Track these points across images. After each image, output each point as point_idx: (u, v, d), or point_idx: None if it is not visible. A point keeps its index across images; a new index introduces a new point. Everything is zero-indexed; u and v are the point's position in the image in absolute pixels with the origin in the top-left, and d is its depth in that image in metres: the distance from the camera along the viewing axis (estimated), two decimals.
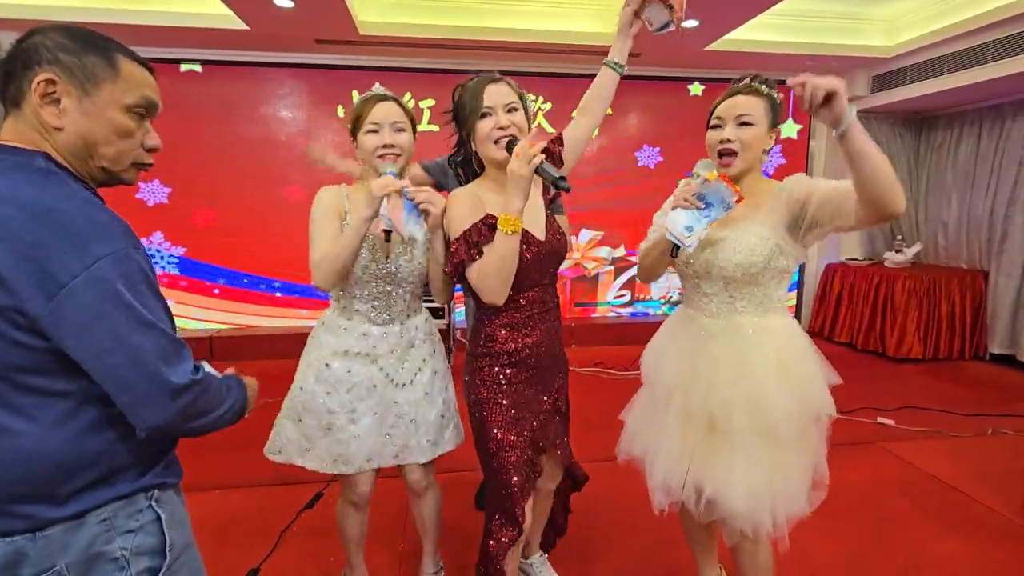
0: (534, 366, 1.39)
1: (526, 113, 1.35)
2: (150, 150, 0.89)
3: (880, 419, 3.15)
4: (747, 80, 1.34)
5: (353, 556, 1.68)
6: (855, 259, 5.04)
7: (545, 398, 1.45)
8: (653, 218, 1.49)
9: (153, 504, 0.87)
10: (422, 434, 1.51)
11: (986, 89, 3.95)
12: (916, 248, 4.82)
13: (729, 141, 1.30)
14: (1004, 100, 4.21)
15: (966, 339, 4.46)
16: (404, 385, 1.48)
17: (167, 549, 0.87)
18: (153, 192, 4.39)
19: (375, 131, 1.37)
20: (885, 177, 1.07)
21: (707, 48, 4.10)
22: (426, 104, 4.58)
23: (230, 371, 0.99)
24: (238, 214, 4.51)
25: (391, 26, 3.82)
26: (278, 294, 4.65)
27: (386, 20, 3.83)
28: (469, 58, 4.36)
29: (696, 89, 4.87)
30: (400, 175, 1.40)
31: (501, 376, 1.37)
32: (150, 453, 0.87)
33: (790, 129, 5.09)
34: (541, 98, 4.68)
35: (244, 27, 3.61)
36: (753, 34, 4.05)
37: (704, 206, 1.26)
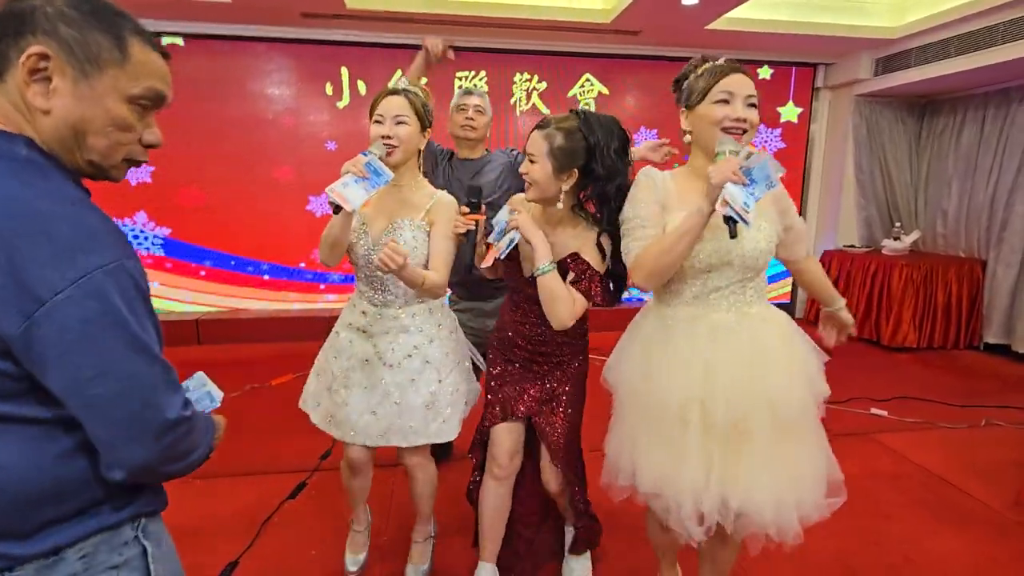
0: (510, 347, 1.61)
1: (566, 159, 1.39)
2: (148, 146, 0.77)
3: (874, 410, 3.13)
4: (725, 60, 1.28)
5: (354, 506, 1.82)
6: (852, 246, 4.98)
7: (510, 372, 1.60)
8: (627, 218, 1.34)
9: (140, 535, 0.76)
10: (406, 418, 1.58)
11: (994, 73, 3.84)
12: (914, 236, 4.75)
13: (743, 121, 1.22)
14: (1011, 84, 4.10)
15: (961, 328, 4.43)
16: (392, 366, 1.59)
17: None
18: (136, 171, 4.26)
19: (380, 122, 1.50)
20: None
21: (708, 27, 3.97)
22: (420, 82, 4.44)
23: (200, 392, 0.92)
24: (225, 194, 4.39)
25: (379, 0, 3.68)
26: (266, 276, 4.57)
27: None
28: (462, 34, 4.21)
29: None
30: (396, 165, 1.52)
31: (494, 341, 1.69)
32: None
33: (791, 113, 4.98)
34: (536, 77, 4.55)
35: None
36: (755, 13, 3.92)
37: (748, 183, 1.15)
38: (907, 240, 4.70)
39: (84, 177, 0.76)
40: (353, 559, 1.80)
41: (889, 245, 4.72)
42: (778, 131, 4.98)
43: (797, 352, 1.31)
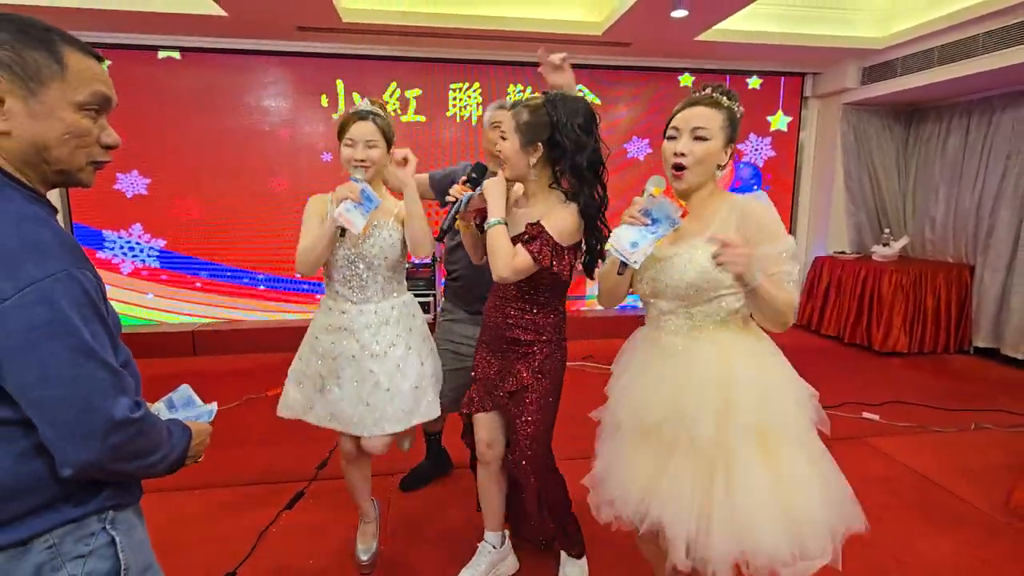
0: (487, 330, 1.71)
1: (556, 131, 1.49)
2: (107, 147, 0.82)
3: (865, 414, 3.16)
4: (708, 90, 1.31)
5: (357, 499, 1.91)
6: (843, 252, 5.04)
7: (489, 361, 1.68)
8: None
9: (107, 527, 0.81)
10: (398, 403, 1.71)
11: (976, 81, 3.94)
12: (903, 242, 4.82)
13: (682, 155, 1.27)
14: (993, 93, 4.19)
15: (950, 333, 4.49)
16: (379, 356, 1.71)
17: (122, 574, 0.82)
18: (132, 183, 4.29)
19: (351, 146, 1.64)
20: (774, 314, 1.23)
21: (697, 38, 4.04)
22: (412, 93, 4.50)
23: (181, 415, 0.94)
24: (221, 206, 4.42)
25: (374, 13, 3.73)
26: (262, 287, 4.58)
27: (369, 7, 3.73)
28: (457, 47, 4.28)
29: (686, 80, 4.81)
30: (370, 181, 1.68)
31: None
32: None
33: (780, 122, 5.06)
34: (529, 88, 4.61)
35: (222, 13, 3.50)
36: (744, 24, 4.00)
37: (650, 222, 1.24)
38: (896, 246, 4.77)
39: (56, 186, 0.81)
40: (364, 548, 1.90)
41: (879, 251, 4.79)
42: (768, 139, 5.06)
43: (752, 377, 1.26)
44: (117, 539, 0.82)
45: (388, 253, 1.70)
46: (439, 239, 1.61)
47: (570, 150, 1.46)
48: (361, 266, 1.69)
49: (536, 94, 1.52)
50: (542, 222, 1.48)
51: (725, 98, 1.29)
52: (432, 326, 1.99)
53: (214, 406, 1.05)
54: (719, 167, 1.31)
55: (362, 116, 1.64)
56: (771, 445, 1.24)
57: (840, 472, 1.31)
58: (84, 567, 0.78)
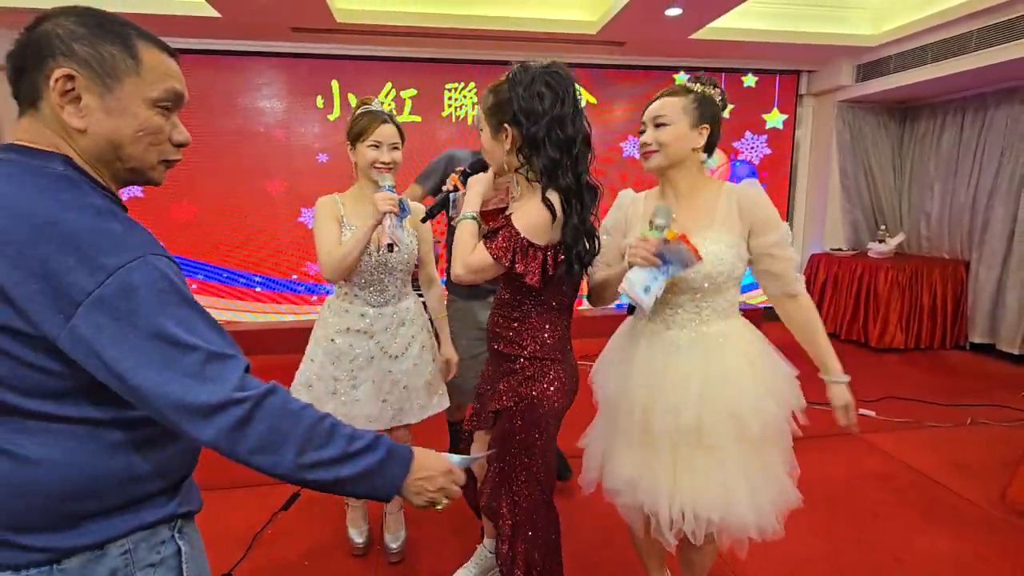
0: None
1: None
2: (179, 145, 0.81)
3: (862, 410, 3.16)
4: (678, 84, 1.37)
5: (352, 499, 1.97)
6: (839, 249, 5.05)
7: (489, 372, 1.55)
8: (602, 236, 1.41)
9: (176, 536, 0.80)
10: (414, 399, 1.82)
11: (970, 78, 3.94)
12: (899, 238, 4.83)
13: (647, 145, 1.34)
14: (987, 89, 4.20)
15: (947, 329, 4.49)
16: (397, 357, 1.78)
17: None
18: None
19: (376, 147, 1.66)
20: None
21: (692, 36, 4.05)
22: (408, 94, 4.49)
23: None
24: (217, 208, 4.40)
25: (369, 14, 3.73)
26: (258, 289, 4.57)
27: (363, 8, 3.73)
28: (452, 47, 4.28)
29: (681, 79, 4.81)
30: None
31: None
32: (174, 479, 0.80)
33: (776, 119, 5.07)
34: None
35: (216, 14, 3.50)
36: (738, 22, 4.00)
37: (662, 263, 1.24)
38: (892, 243, 4.78)
39: (127, 184, 0.81)
40: (357, 531, 1.98)
41: (875, 248, 4.80)
42: (764, 137, 5.06)
43: (761, 368, 1.34)
44: (183, 549, 0.80)
45: (409, 259, 1.79)
46: (423, 221, 1.57)
47: (525, 123, 1.23)
48: (384, 272, 1.75)
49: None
50: (512, 215, 1.28)
51: (697, 84, 1.34)
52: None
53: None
54: (694, 150, 1.33)
55: (384, 119, 1.67)
56: (767, 436, 1.33)
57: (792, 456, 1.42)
58: None
